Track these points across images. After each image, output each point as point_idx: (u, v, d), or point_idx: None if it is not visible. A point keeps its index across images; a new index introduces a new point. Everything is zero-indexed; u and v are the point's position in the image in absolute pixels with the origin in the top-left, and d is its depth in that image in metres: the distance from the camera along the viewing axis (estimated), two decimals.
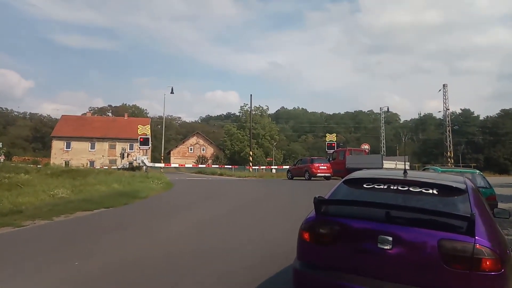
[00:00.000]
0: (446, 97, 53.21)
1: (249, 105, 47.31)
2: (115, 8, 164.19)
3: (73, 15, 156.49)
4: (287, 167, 36.26)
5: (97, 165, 52.52)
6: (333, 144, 36.36)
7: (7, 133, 78.21)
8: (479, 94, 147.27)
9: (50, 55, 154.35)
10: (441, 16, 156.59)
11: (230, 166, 48.15)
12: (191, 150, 74.39)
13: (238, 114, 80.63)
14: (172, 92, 41.17)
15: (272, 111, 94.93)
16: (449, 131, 53.70)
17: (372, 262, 2.73)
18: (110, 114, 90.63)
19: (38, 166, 30.18)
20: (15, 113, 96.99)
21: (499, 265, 2.48)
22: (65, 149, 60.71)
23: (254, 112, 64.83)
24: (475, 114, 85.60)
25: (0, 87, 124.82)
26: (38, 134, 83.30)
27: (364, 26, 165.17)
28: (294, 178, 27.26)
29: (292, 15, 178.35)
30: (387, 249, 2.68)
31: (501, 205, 7.83)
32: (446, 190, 3.09)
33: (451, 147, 53.44)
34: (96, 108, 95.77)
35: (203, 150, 74.26)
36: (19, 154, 63.36)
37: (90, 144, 61.71)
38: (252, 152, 45.21)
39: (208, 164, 57.43)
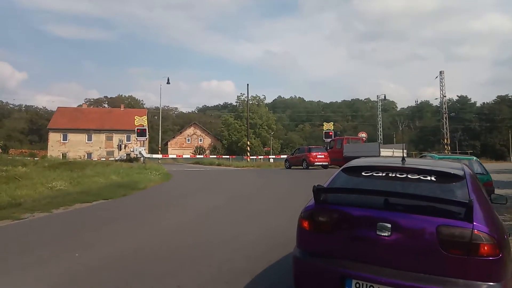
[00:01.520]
0: (443, 84, 53.20)
1: (246, 95, 47.12)
2: None
3: (65, 5, 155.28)
4: (285, 156, 36.29)
5: (95, 157, 52.42)
6: (331, 133, 36.40)
7: (3, 126, 77.79)
8: (475, 81, 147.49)
9: (43, 46, 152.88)
10: (437, 1, 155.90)
11: (227, 156, 48.17)
12: (188, 140, 74.29)
13: (235, 104, 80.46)
14: (168, 82, 41.08)
15: (269, 100, 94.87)
16: (446, 118, 53.81)
17: (371, 249, 2.75)
18: (106, 105, 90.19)
19: (35, 158, 30.12)
20: (11, 106, 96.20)
21: (497, 250, 2.50)
22: (62, 141, 60.46)
23: (251, 102, 64.66)
24: (472, 101, 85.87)
25: None
26: (34, 127, 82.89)
27: (359, 13, 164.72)
28: (292, 167, 27.31)
29: (287, 2, 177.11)
30: (386, 236, 2.70)
31: (497, 191, 7.89)
32: (444, 177, 3.10)
33: (448, 134, 53.62)
34: (92, 100, 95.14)
35: (201, 141, 74.20)
36: (16, 147, 63.15)
37: (87, 136, 61.46)
38: (249, 142, 45.19)
39: (205, 155, 57.44)
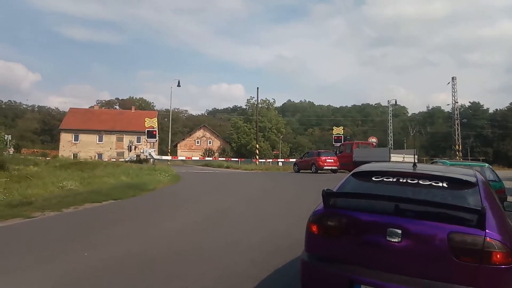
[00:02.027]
0: (455, 90, 52.67)
1: (256, 98, 47.24)
2: (119, 0, 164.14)
3: (78, 8, 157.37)
4: (294, 160, 36.24)
5: (105, 158, 52.93)
6: (340, 137, 36.27)
7: (16, 126, 79.03)
8: (487, 87, 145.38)
9: (57, 48, 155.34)
10: (448, 7, 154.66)
11: (236, 159, 48.23)
12: (197, 143, 74.60)
13: (244, 107, 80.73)
14: (179, 85, 41.28)
15: (278, 104, 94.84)
16: (457, 124, 53.20)
17: (381, 255, 2.72)
18: (117, 107, 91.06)
19: (47, 158, 30.50)
20: (24, 106, 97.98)
21: (510, 258, 2.45)
22: (73, 141, 61.21)
23: (260, 105, 64.76)
24: (484, 107, 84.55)
25: (8, 80, 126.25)
26: (47, 127, 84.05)
27: (369, 18, 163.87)
28: (301, 171, 27.24)
29: (297, 8, 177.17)
30: (396, 242, 2.66)
31: (510, 199, 7.76)
32: (456, 183, 3.06)
33: (460, 141, 52.99)
34: (103, 101, 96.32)
35: (210, 143, 74.44)
36: (28, 146, 64.09)
37: (98, 137, 62.13)
38: (258, 145, 45.20)
39: (214, 157, 57.61)
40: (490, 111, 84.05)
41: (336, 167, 25.49)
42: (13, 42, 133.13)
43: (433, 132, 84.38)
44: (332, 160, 25.74)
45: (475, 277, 2.45)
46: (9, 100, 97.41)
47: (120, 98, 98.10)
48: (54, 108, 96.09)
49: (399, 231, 2.66)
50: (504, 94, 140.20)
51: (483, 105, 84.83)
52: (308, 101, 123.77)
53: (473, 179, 3.12)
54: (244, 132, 69.94)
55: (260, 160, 42.55)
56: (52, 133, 78.09)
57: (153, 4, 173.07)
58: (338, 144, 33.16)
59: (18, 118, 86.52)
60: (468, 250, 2.49)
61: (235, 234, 6.74)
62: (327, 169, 25.37)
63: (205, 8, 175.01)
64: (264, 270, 4.56)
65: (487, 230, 2.50)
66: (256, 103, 51.12)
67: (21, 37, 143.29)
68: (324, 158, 25.78)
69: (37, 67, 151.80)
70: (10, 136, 37.02)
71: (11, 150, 37.44)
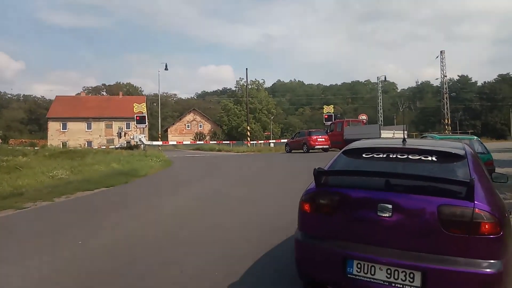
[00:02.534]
0: (443, 63, 52.87)
1: (245, 80, 46.86)
2: None
3: None
4: (285, 140, 36.30)
5: (95, 145, 52.48)
6: (331, 116, 36.30)
7: (2, 116, 77.68)
8: (476, 60, 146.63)
9: (40, 35, 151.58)
10: None
11: (228, 142, 48.17)
12: (188, 127, 74.20)
13: (234, 89, 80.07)
14: (166, 69, 40.85)
15: (268, 84, 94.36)
16: (446, 98, 53.63)
17: (373, 230, 2.75)
18: (104, 93, 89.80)
19: (36, 148, 30.08)
20: (9, 96, 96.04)
21: (498, 228, 2.50)
22: (61, 130, 60.45)
23: (250, 87, 64.28)
24: (473, 80, 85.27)
25: None
26: (34, 116, 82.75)
27: None
28: (292, 151, 27.33)
29: None
30: (387, 216, 2.69)
31: (498, 170, 7.89)
32: (445, 157, 3.08)
33: (449, 114, 53.54)
34: (90, 88, 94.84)
35: (201, 127, 74.09)
36: (16, 137, 63.09)
37: (86, 124, 61.42)
38: (249, 127, 45.14)
39: (206, 141, 57.45)
40: (479, 84, 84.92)
41: (327, 146, 25.61)
42: None
43: (423, 107, 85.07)
44: (323, 139, 25.83)
45: (465, 248, 2.50)
46: None
47: (107, 84, 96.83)
48: (40, 97, 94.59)
49: (390, 206, 2.69)
50: (492, 66, 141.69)
51: (471, 78, 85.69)
52: (298, 81, 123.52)
53: (461, 152, 3.14)
54: (234, 114, 69.64)
55: (251, 142, 42.59)
56: (40, 122, 76.96)
57: None
58: (329, 123, 33.20)
59: (3, 108, 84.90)
60: (458, 222, 2.53)
61: (231, 216, 6.79)
62: (319, 148, 25.48)
63: None
64: (260, 250, 4.61)
65: (475, 202, 2.53)
66: (245, 84, 50.70)
67: (2, 24, 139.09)
68: (315, 137, 25.85)
69: (20, 55, 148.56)
70: None
71: None
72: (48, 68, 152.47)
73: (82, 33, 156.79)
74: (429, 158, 3.06)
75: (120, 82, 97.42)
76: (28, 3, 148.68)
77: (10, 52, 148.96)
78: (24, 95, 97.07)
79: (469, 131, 55.38)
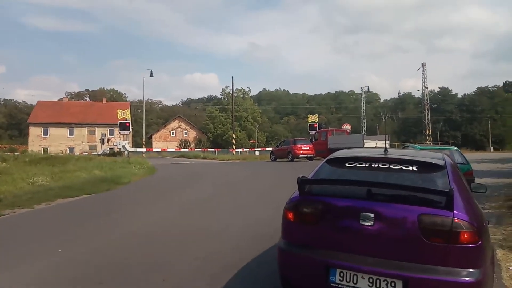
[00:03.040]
0: (425, 75, 54.10)
1: (231, 88, 46.94)
2: None
3: None
4: (270, 149, 36.39)
5: (77, 151, 51.58)
6: (315, 125, 36.59)
7: None
8: (456, 73, 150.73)
9: (22, 39, 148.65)
10: None
11: (213, 150, 48.00)
12: (173, 134, 73.65)
13: (219, 96, 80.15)
14: (151, 75, 40.46)
15: (254, 93, 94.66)
16: (427, 109, 54.75)
17: (355, 239, 2.78)
18: (87, 98, 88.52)
19: (16, 153, 29.38)
20: None
21: (477, 237, 2.56)
22: (42, 135, 59.16)
23: (236, 95, 64.35)
24: (453, 92, 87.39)
25: None
26: (14, 121, 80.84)
27: (341, 6, 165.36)
28: (278, 159, 27.42)
29: None
30: (369, 225, 2.73)
31: (478, 180, 8.07)
32: (425, 167, 3.15)
33: (430, 125, 54.64)
34: (73, 93, 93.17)
35: (186, 134, 73.65)
36: None
37: (68, 130, 60.28)
38: (235, 134, 45.12)
39: (191, 148, 57.07)
40: (459, 96, 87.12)
41: (312, 155, 25.80)
42: None
43: (404, 117, 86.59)
44: (308, 148, 26.03)
45: (444, 257, 2.55)
46: None
47: (90, 90, 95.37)
48: (21, 101, 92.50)
49: (371, 215, 2.73)
50: (472, 79, 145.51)
51: (451, 90, 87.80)
52: (283, 90, 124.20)
53: (441, 162, 3.22)
54: (220, 122, 69.57)
55: (236, 150, 42.51)
56: (20, 127, 75.19)
57: None
58: (314, 132, 33.47)
59: None
60: (438, 231, 2.58)
61: (214, 224, 6.74)
62: (303, 157, 25.66)
63: None
64: (245, 258, 4.59)
65: (455, 211, 2.59)
66: (231, 92, 50.78)
67: None
68: (300, 146, 26.03)
69: (1, 58, 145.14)
70: None
71: None
72: (30, 73, 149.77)
73: (66, 37, 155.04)
74: (410, 168, 3.13)
75: (104, 88, 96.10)
76: (11, 7, 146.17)
77: None
78: (4, 99, 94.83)
79: (450, 142, 56.58)
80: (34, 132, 58.98)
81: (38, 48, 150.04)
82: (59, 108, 63.74)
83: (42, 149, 52.47)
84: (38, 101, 66.38)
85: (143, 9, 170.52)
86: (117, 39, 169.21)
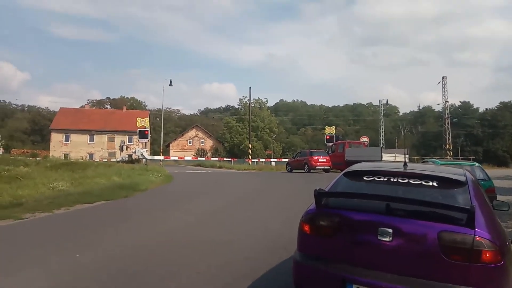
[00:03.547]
0: (445, 89, 53.18)
1: (248, 98, 47.22)
2: None
3: (68, 6, 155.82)
4: (286, 159, 36.30)
5: (96, 158, 52.51)
6: (332, 137, 36.36)
7: (5, 126, 77.98)
8: (477, 86, 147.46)
9: (46, 47, 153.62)
10: (438, 7, 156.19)
11: (229, 159, 48.15)
12: (190, 142, 74.30)
13: (237, 106, 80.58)
14: (171, 85, 41.22)
15: (271, 103, 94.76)
16: (448, 123, 53.72)
17: (373, 254, 2.75)
18: (108, 106, 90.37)
19: (37, 158, 30.13)
20: (13, 106, 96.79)
21: (499, 256, 2.49)
22: (64, 141, 60.57)
23: (253, 105, 64.65)
24: (474, 107, 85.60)
25: None
26: (37, 127, 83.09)
27: (360, 18, 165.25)
28: (293, 170, 27.29)
29: (288, 6, 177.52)
30: (387, 241, 2.69)
31: (500, 198, 7.87)
32: (446, 182, 3.09)
33: (450, 140, 53.52)
34: (94, 101, 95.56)
35: (202, 143, 74.19)
36: (18, 146, 63.20)
37: (89, 137, 61.56)
38: (251, 145, 45.18)
39: (207, 157, 57.46)
40: (480, 110, 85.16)
41: (328, 167, 25.58)
42: (1, 41, 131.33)
43: (424, 131, 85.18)
44: (325, 160, 25.83)
45: (465, 276, 2.49)
46: None
47: (111, 98, 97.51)
48: (44, 108, 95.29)
49: (390, 230, 2.69)
50: (494, 93, 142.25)
51: (473, 104, 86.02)
52: (301, 101, 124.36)
53: (462, 178, 3.15)
54: (236, 132, 69.86)
55: (253, 160, 42.54)
56: (43, 133, 77.19)
57: (144, 1, 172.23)
58: (330, 144, 33.22)
59: (7, 118, 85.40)
60: (458, 249, 2.52)
61: (229, 234, 6.73)
62: (320, 169, 25.45)
63: (196, 6, 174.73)
64: (259, 269, 4.57)
65: (476, 229, 2.53)
66: (248, 102, 51.06)
67: (10, 36, 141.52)
68: (316, 157, 25.86)
69: (26, 66, 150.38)
70: None
71: (1, 151, 37.04)
72: (54, 80, 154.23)
73: (88, 46, 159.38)
74: (430, 184, 3.08)
75: (124, 96, 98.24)
76: (36, 16, 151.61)
77: (17, 63, 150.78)
78: (28, 105, 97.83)
79: (471, 157, 55.23)
80: (56, 138, 60.44)
81: (62, 56, 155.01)
82: (81, 115, 65.28)
83: (63, 154, 53.66)
84: (60, 108, 68.24)
85: (162, 19, 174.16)
86: (137, 48, 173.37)
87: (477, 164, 10.81)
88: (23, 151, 54.27)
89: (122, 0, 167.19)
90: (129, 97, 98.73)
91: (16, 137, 75.30)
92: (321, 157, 26.13)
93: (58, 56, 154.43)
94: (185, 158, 48.57)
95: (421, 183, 3.09)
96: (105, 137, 62.41)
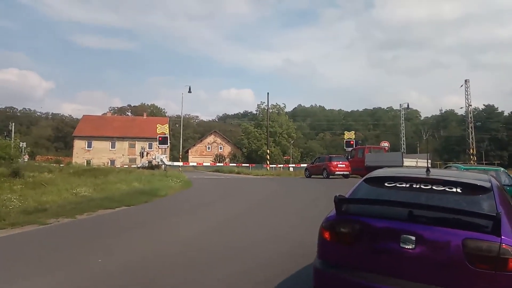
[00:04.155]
0: (468, 92, 51.96)
1: (266, 103, 47.26)
2: (131, 8, 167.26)
3: (90, 16, 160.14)
4: (305, 165, 36.09)
5: (118, 164, 53.45)
6: (352, 142, 35.95)
7: (30, 133, 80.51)
8: (502, 89, 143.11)
9: (70, 56, 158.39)
10: (459, 8, 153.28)
11: (247, 165, 48.28)
12: (208, 148, 74.89)
13: (255, 112, 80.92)
14: (190, 91, 41.57)
15: (289, 109, 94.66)
16: (471, 127, 52.37)
17: (395, 262, 2.70)
18: (129, 113, 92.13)
19: (61, 165, 30.95)
20: (38, 114, 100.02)
21: None
22: (86, 148, 62.06)
23: (271, 110, 64.68)
24: (499, 110, 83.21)
25: (22, 88, 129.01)
26: (60, 134, 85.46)
27: (379, 21, 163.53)
28: (312, 176, 27.11)
29: (306, 12, 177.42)
30: (410, 248, 2.64)
31: None
32: (470, 189, 3.02)
33: (474, 144, 52.11)
34: (116, 108, 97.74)
35: (221, 149, 74.65)
36: (42, 153, 65.25)
37: (110, 143, 62.90)
38: (269, 150, 45.17)
39: (225, 163, 57.79)
40: (505, 113, 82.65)
41: (348, 172, 25.30)
42: (27, 51, 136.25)
43: (447, 135, 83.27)
44: (344, 165, 25.56)
45: (491, 285, 2.42)
46: (23, 108, 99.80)
47: (132, 105, 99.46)
48: (68, 115, 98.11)
49: (413, 238, 2.64)
50: None
51: (497, 107, 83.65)
52: (319, 106, 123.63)
53: (487, 184, 3.07)
54: (254, 138, 70.00)
55: (271, 166, 42.48)
56: (66, 140, 79.34)
57: (165, 10, 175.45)
58: (350, 149, 32.88)
59: (32, 126, 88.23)
60: (484, 257, 2.46)
61: (248, 240, 6.73)
62: (339, 174, 25.19)
63: (215, 14, 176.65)
64: (278, 276, 4.54)
65: (502, 237, 2.46)
66: (266, 108, 51.12)
67: (35, 45, 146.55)
68: (335, 163, 25.62)
69: (50, 74, 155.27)
70: (25, 143, 37.61)
71: (26, 157, 38.14)
72: (77, 88, 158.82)
73: (110, 55, 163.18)
74: (454, 190, 3.01)
75: (144, 103, 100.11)
76: (60, 26, 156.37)
77: (41, 72, 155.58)
78: (52, 113, 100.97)
79: (496, 162, 53.70)
80: (79, 145, 61.98)
81: (84, 64, 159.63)
82: (103, 122, 66.85)
83: (86, 161, 54.85)
84: (83, 115, 70.10)
85: (182, 28, 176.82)
86: (157, 56, 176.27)
87: (502, 169, 10.51)
88: (47, 157, 55.91)
89: (144, 10, 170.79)
90: (149, 104, 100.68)
91: (41, 144, 77.62)
92: (340, 162, 25.87)
93: (82, 65, 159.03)
94: (204, 164, 48.95)
95: (444, 189, 3.03)
96: (126, 144, 63.61)
